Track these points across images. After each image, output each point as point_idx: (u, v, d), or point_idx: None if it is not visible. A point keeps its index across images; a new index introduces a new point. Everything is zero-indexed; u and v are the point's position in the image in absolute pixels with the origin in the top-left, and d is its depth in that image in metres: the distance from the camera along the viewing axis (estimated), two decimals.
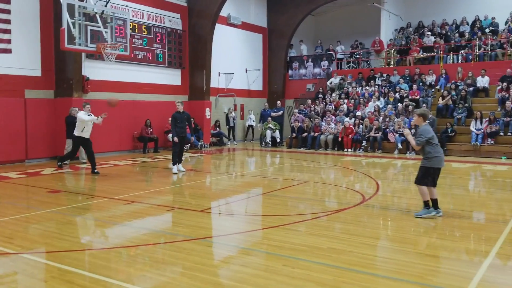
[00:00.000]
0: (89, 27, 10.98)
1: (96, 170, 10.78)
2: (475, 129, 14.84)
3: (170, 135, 11.83)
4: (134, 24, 15.87)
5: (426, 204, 6.63)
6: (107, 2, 11.39)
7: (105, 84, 15.11)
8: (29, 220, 6.65)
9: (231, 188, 9.79)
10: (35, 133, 13.22)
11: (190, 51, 18.10)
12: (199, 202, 8.02)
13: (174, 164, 11.00)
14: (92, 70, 14.53)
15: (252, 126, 20.60)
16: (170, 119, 11.29)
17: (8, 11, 12.35)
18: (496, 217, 6.91)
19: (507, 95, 15.66)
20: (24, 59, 12.97)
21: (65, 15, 10.22)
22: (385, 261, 4.81)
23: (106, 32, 11.20)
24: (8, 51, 12.35)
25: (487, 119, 14.78)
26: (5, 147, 12.40)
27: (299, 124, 17.98)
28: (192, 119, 12.18)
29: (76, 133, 10.79)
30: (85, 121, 10.53)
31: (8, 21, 12.34)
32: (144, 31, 16.34)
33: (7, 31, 12.33)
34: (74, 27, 10.42)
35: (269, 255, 5.06)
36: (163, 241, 5.67)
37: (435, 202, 6.61)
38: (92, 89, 14.54)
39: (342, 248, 5.25)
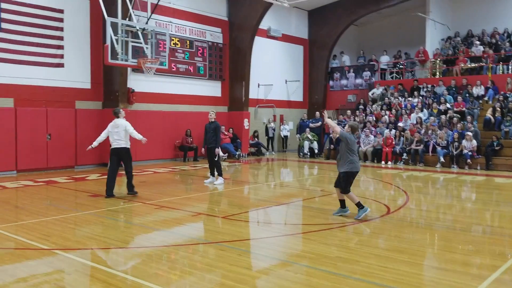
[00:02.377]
0: (131, 43, 11.71)
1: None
2: None
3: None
4: (176, 39, 16.65)
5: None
6: (148, 20, 12.09)
7: (149, 96, 15.94)
8: (67, 220, 7.25)
9: (257, 197, 10.05)
10: (84, 142, 14.09)
11: (230, 64, 18.67)
12: (223, 209, 8.35)
13: (219, 175, 11.09)
14: (137, 82, 15.39)
15: (287, 136, 20.71)
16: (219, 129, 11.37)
17: (61, 29, 13.45)
18: None
19: None
20: (75, 73, 14.00)
21: (109, 32, 11.01)
22: (387, 271, 4.86)
23: (147, 48, 11.89)
24: (61, 65, 13.43)
25: None
26: (57, 154, 13.41)
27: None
28: (221, 128, 11.85)
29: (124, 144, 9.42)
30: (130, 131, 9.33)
31: (61, 38, 13.44)
32: (187, 45, 17.07)
33: (60, 47, 13.42)
34: (117, 43, 11.17)
35: (276, 260, 5.27)
36: (178, 243, 6.02)
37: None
38: (137, 100, 15.40)
39: (350, 257, 5.36)
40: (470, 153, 14.39)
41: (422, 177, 13.08)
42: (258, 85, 20.14)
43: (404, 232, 6.73)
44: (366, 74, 21.40)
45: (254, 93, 19.86)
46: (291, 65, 21.99)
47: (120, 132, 9.18)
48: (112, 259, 5.37)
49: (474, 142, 14.47)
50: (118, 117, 9.36)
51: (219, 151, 10.97)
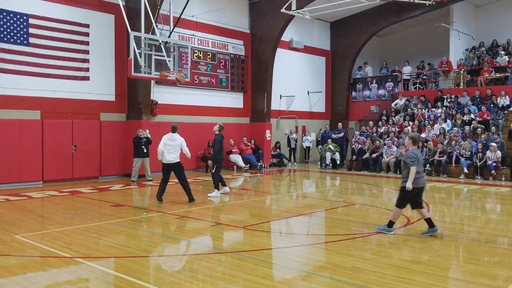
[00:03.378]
0: (154, 56, 12.01)
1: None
2: None
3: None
4: (199, 51, 16.96)
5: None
6: (170, 33, 12.39)
7: (172, 108, 16.24)
8: (89, 229, 7.44)
9: (277, 208, 10.08)
10: (108, 152, 14.53)
11: (252, 75, 18.86)
12: (243, 219, 8.41)
13: (224, 185, 11.38)
14: (161, 95, 15.71)
15: (309, 147, 20.67)
16: (218, 142, 10.94)
17: (87, 43, 13.92)
18: None
19: None
20: (100, 85, 14.42)
21: (132, 45, 11.33)
22: (402, 281, 4.82)
23: (169, 61, 12.17)
24: (86, 78, 13.87)
25: None
26: (82, 165, 13.78)
27: (359, 146, 17.85)
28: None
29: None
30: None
31: (87, 52, 13.90)
32: (209, 58, 17.37)
33: (86, 61, 13.87)
34: (140, 56, 11.49)
35: (291, 270, 5.29)
36: (196, 253, 6.11)
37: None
38: (160, 112, 15.71)
39: (365, 267, 5.34)
40: (494, 164, 14.06)
41: (445, 188, 12.85)
42: (280, 96, 20.24)
43: (422, 243, 6.64)
44: (389, 85, 21.25)
45: (276, 104, 19.97)
46: (313, 76, 22.03)
47: (175, 146, 9.85)
48: (132, 267, 5.49)
49: (499, 153, 14.15)
50: (175, 132, 10.08)
51: (211, 164, 11.14)
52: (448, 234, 7.23)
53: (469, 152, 14.81)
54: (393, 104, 20.28)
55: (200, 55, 17.07)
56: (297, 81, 21.03)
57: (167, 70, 12.13)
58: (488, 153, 14.33)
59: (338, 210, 9.52)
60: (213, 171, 11.00)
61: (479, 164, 14.42)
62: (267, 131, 18.69)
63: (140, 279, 4.92)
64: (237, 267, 5.44)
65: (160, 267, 5.52)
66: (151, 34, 12.57)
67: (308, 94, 21.68)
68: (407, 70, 21.73)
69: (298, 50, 21.05)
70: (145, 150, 13.81)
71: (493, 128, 15.48)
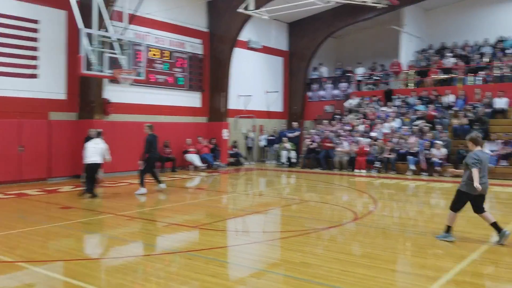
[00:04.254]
0: (107, 54, 11.76)
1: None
2: (490, 150, 14.58)
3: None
4: (155, 49, 16.74)
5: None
6: (124, 30, 12.17)
7: (127, 107, 15.93)
8: (34, 233, 7.18)
9: (232, 207, 10.14)
10: (58, 153, 14.04)
11: (210, 75, 18.81)
12: (197, 219, 8.42)
13: (159, 183, 11.71)
14: (115, 93, 15.37)
15: (266, 146, 20.84)
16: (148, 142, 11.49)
17: (36, 39, 13.42)
18: (477, 236, 6.89)
19: None
20: (50, 83, 13.93)
21: (83, 42, 11.03)
22: (347, 274, 5.01)
23: (123, 59, 11.95)
24: (34, 76, 13.36)
25: (501, 140, 14.54)
26: (30, 166, 13.25)
27: (314, 144, 18.16)
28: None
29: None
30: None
31: (35, 49, 13.40)
32: (166, 56, 17.18)
33: (34, 58, 13.37)
34: (92, 54, 11.22)
35: (242, 267, 5.37)
36: (145, 254, 6.08)
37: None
38: (114, 111, 15.38)
39: (313, 262, 5.50)
40: (439, 161, 14.74)
41: (392, 184, 13.37)
42: (238, 96, 20.31)
43: (367, 237, 6.91)
44: (343, 85, 21.79)
45: (234, 103, 20.01)
46: (271, 76, 22.25)
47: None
48: (78, 270, 5.37)
49: (443, 150, 14.86)
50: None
51: (140, 164, 11.37)
52: (395, 229, 7.54)
53: (416, 150, 15.45)
54: (346, 104, 20.82)
55: (156, 53, 16.85)
56: (255, 80, 21.17)
57: (121, 68, 11.91)
58: (434, 150, 15.00)
59: (292, 207, 9.70)
60: (141, 168, 11.44)
61: (425, 161, 15.07)
62: (225, 131, 18.71)
63: (87, 282, 4.83)
64: (187, 266, 5.45)
65: (108, 270, 5.44)
66: (105, 31, 12.27)
67: (266, 93, 21.88)
68: (360, 71, 22.35)
69: (256, 50, 21.18)
70: None
71: (438, 126, 16.22)
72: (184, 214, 8.98)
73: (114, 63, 12.43)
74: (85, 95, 14.66)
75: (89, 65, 11.29)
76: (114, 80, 14.82)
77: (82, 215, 8.80)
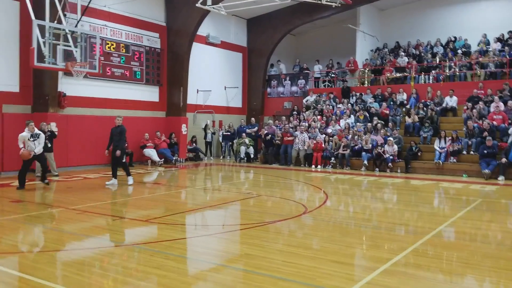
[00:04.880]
0: (61, 47, 11.53)
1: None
2: (439, 147, 15.35)
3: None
4: (111, 42, 16.50)
5: None
6: (77, 23, 11.97)
7: (83, 100, 15.66)
8: None
9: (185, 201, 10.25)
10: (11, 146, 13.62)
11: (168, 69, 18.72)
12: (148, 212, 8.48)
13: (128, 175, 11.75)
14: (70, 86, 15.07)
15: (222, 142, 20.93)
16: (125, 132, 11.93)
17: None
18: (420, 230, 7.35)
19: (472, 115, 16.15)
20: (2, 75, 13.52)
21: (35, 34, 10.78)
22: (289, 265, 5.25)
23: (76, 51, 11.75)
24: None
25: (450, 138, 15.31)
26: None
27: (269, 134, 18.42)
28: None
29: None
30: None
31: None
32: (122, 50, 16.96)
33: None
34: (44, 46, 10.98)
35: (185, 259, 5.52)
36: (90, 247, 6.12)
37: None
38: (69, 104, 15.09)
39: (257, 254, 5.72)
40: (391, 157, 15.38)
41: (346, 179, 13.85)
42: (197, 90, 20.31)
43: (314, 230, 7.22)
44: (301, 82, 22.21)
45: (193, 98, 20.01)
46: (230, 72, 22.37)
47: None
48: (24, 263, 5.37)
49: (395, 147, 15.50)
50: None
51: (119, 153, 11.35)
52: (342, 222, 7.90)
53: (370, 146, 16.03)
54: (304, 101, 21.26)
55: (112, 46, 16.61)
56: (214, 76, 21.23)
57: (74, 61, 11.71)
58: (386, 147, 15.62)
59: (246, 202, 9.91)
60: (124, 160, 11.65)
61: (378, 157, 15.67)
62: (183, 126, 18.70)
63: (31, 274, 4.85)
64: (131, 259, 5.56)
65: (53, 262, 5.45)
66: (57, 23, 12.01)
67: (225, 89, 21.99)
68: (317, 68, 22.84)
69: (215, 45, 21.22)
70: (49, 145, 13.10)
71: (391, 123, 16.88)
72: (135, 208, 9.02)
73: (70, 56, 12.20)
74: (39, 87, 14.31)
75: (41, 58, 11.04)
76: (69, 73, 14.54)
77: (33, 208, 8.69)
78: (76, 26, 11.92)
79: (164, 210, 8.81)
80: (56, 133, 13.67)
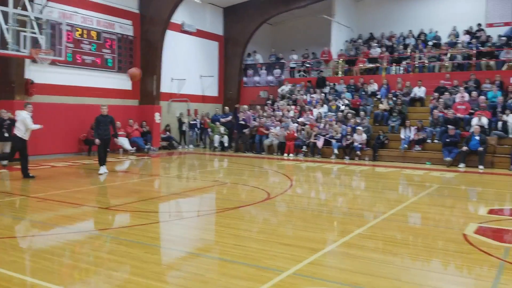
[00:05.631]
0: (26, 33, 11.39)
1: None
2: (405, 136, 15.70)
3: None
4: (82, 29, 16.31)
5: None
6: (42, 9, 11.83)
7: (52, 88, 15.48)
8: None
9: (148, 189, 10.31)
10: None
11: (141, 57, 18.60)
12: (108, 200, 8.53)
13: (100, 165, 11.52)
14: (39, 74, 14.87)
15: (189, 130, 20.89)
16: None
17: None
18: (373, 214, 7.59)
19: (438, 105, 16.54)
20: None
21: None
22: (238, 249, 5.41)
23: (42, 38, 11.63)
24: None
25: (415, 127, 15.67)
26: None
27: (244, 119, 18.55)
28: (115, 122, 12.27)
29: (19, 134, 10.61)
30: (28, 124, 10.52)
31: None
32: (94, 37, 16.78)
33: None
34: (8, 32, 10.84)
35: (137, 244, 5.61)
36: (44, 234, 6.17)
37: None
38: (39, 92, 14.92)
39: (210, 238, 5.87)
40: (360, 145, 15.68)
41: (315, 167, 14.09)
42: (172, 79, 20.24)
43: (271, 215, 7.39)
44: (277, 71, 22.33)
45: (167, 87, 19.94)
46: (206, 61, 22.33)
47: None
48: None
49: (364, 136, 15.79)
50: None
51: (118, 140, 11.30)
52: (300, 207, 8.09)
53: (340, 135, 16.30)
54: (279, 90, 21.40)
55: (83, 33, 16.42)
56: (189, 64, 21.17)
57: (39, 48, 11.59)
58: (355, 135, 15.90)
59: (212, 189, 10.03)
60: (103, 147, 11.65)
61: (347, 145, 15.96)
62: (157, 114, 18.66)
63: None
64: (86, 244, 5.64)
65: (3, 248, 5.50)
66: (22, 9, 11.84)
67: (200, 78, 21.96)
68: (293, 58, 22.96)
69: (190, 33, 21.13)
70: (6, 134, 12.71)
71: (361, 113, 17.17)
72: (97, 196, 9.06)
73: (37, 43, 12.06)
74: (4, 75, 14.08)
75: (4, 44, 10.91)
76: (36, 60, 14.37)
77: None
78: (41, 12, 11.77)
79: (126, 198, 8.86)
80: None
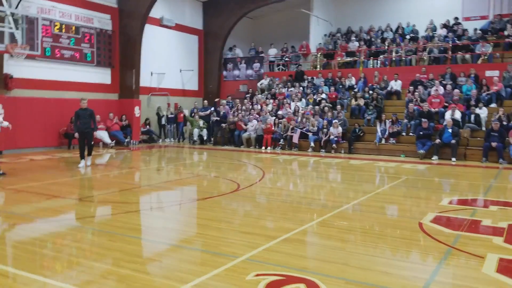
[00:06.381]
0: (2, 28, 11.49)
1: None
2: (380, 129, 16.11)
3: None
4: (61, 24, 16.37)
5: None
6: (18, 4, 11.91)
7: (31, 82, 15.57)
8: None
9: (121, 181, 10.55)
10: None
11: (120, 51, 18.71)
12: (82, 192, 8.76)
13: (81, 158, 11.72)
14: (18, 68, 14.93)
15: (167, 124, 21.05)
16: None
17: None
18: (337, 204, 7.93)
19: (413, 99, 16.96)
20: None
21: None
22: (200, 237, 5.73)
23: (18, 33, 11.73)
24: None
25: (390, 120, 16.08)
26: None
27: (223, 111, 18.83)
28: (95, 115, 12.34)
29: None
30: None
31: None
32: (72, 31, 16.85)
33: None
34: None
35: (103, 233, 5.90)
36: (13, 223, 6.42)
37: None
38: (18, 86, 15.00)
39: (173, 227, 6.17)
40: (336, 138, 16.07)
41: (291, 160, 14.44)
42: (151, 73, 20.39)
43: (238, 206, 7.71)
44: (256, 65, 22.59)
45: (147, 81, 20.10)
46: (186, 55, 22.49)
47: None
48: None
49: (340, 129, 16.18)
50: None
51: (96, 134, 11.66)
52: (266, 198, 8.42)
53: (316, 128, 16.67)
54: (258, 84, 21.68)
55: (62, 28, 16.47)
56: (169, 58, 21.32)
57: (15, 42, 11.70)
58: (332, 129, 16.28)
59: (184, 181, 10.32)
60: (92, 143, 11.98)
61: (323, 138, 16.34)
62: (136, 108, 18.83)
63: None
64: (55, 233, 5.89)
65: None
66: None
67: (180, 72, 22.12)
68: (272, 52, 23.24)
69: (169, 27, 21.26)
70: None
71: (338, 106, 17.55)
72: (72, 187, 9.28)
73: (14, 38, 12.15)
74: None
75: None
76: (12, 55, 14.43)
77: None
78: (16, 7, 11.86)
79: (100, 189, 9.11)
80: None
